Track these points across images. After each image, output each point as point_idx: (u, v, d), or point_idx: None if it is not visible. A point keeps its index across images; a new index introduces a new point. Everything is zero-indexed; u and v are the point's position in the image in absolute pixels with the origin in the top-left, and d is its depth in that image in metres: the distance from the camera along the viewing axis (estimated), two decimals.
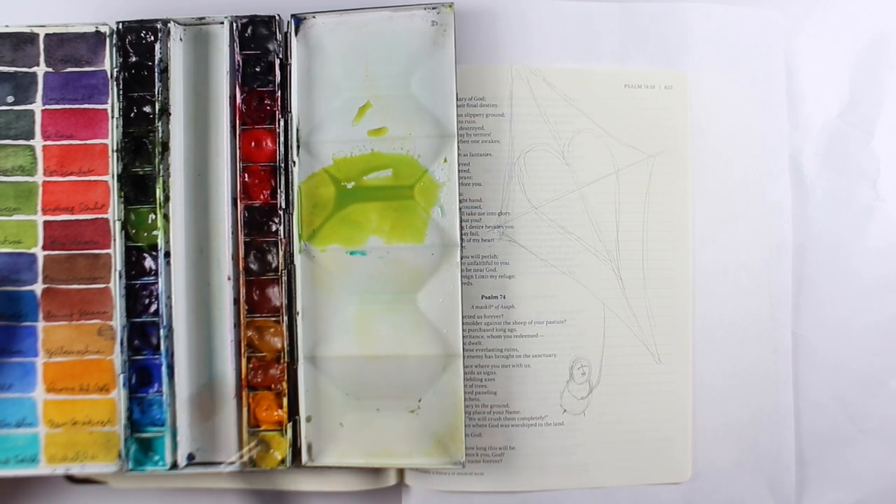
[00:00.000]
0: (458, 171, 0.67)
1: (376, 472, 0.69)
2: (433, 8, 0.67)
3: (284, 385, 0.66)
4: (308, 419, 0.66)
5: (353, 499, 0.70)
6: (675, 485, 0.72)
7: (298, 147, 0.67)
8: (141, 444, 0.66)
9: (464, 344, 0.67)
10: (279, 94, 0.67)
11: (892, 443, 0.73)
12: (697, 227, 0.72)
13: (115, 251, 0.66)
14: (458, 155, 0.67)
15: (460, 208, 0.67)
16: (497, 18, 0.70)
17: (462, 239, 0.67)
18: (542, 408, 0.70)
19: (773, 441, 0.72)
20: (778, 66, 0.73)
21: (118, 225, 0.66)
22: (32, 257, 0.67)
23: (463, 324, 0.66)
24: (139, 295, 0.67)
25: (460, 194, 0.67)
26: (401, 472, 0.70)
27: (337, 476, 0.69)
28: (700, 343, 0.72)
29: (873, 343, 0.74)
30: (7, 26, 0.67)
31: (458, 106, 0.67)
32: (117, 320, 0.66)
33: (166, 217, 0.66)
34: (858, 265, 0.74)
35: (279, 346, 0.66)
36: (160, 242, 0.66)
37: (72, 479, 0.68)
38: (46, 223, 0.67)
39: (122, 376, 0.66)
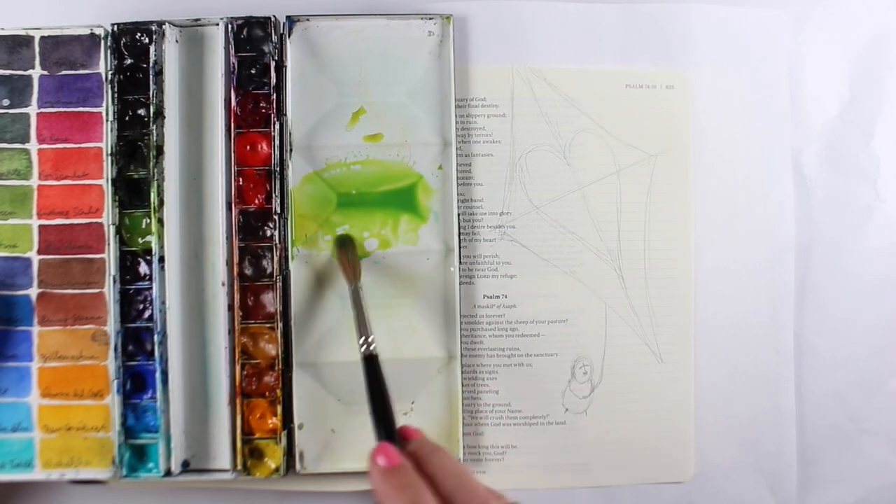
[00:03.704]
0: (460, 171, 0.61)
1: None
2: (430, 18, 0.60)
3: (279, 392, 0.59)
4: (300, 427, 0.59)
5: (354, 499, 0.63)
6: (677, 484, 0.64)
7: (291, 151, 0.59)
8: (135, 451, 0.58)
9: (465, 343, 0.61)
10: (275, 96, 0.59)
11: (893, 442, 0.66)
12: (699, 226, 0.64)
13: (110, 256, 0.58)
14: (460, 156, 0.61)
15: (461, 208, 0.62)
16: (498, 19, 0.63)
17: (460, 243, 0.61)
18: (543, 407, 0.63)
19: (775, 440, 0.65)
20: (779, 66, 0.66)
21: (112, 229, 0.58)
22: (28, 261, 0.59)
23: (465, 323, 0.61)
24: (133, 300, 0.59)
25: (461, 194, 0.62)
26: None
27: (337, 476, 0.61)
28: (702, 343, 0.64)
29: (874, 343, 0.66)
30: (2, 29, 0.60)
31: (459, 107, 0.61)
32: (111, 325, 0.58)
33: (161, 221, 0.58)
34: (859, 265, 0.66)
35: (273, 353, 0.59)
36: (154, 247, 0.58)
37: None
38: (41, 227, 0.59)
39: (116, 382, 0.58)
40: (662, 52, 0.64)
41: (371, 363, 0.49)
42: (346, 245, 0.58)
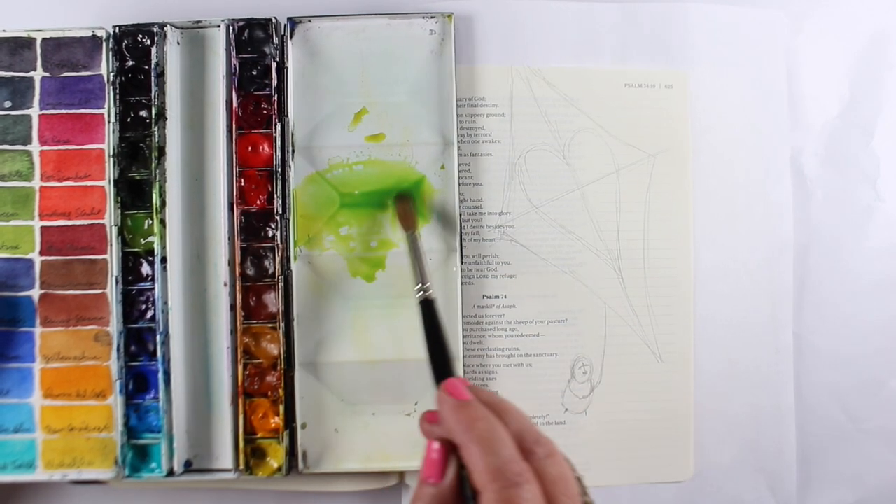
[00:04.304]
0: (459, 171, 0.60)
1: (376, 472, 0.62)
2: (431, 17, 0.60)
3: (281, 392, 0.58)
4: (303, 426, 0.59)
5: (355, 499, 0.63)
6: (677, 483, 0.64)
7: (293, 151, 0.59)
8: (137, 451, 0.58)
9: (465, 343, 0.61)
10: (276, 97, 0.59)
11: (893, 442, 0.66)
12: (698, 226, 0.64)
13: (112, 257, 0.58)
14: (459, 156, 0.60)
15: (461, 208, 0.61)
16: (498, 18, 0.63)
17: (462, 242, 0.60)
18: (543, 407, 0.63)
19: (774, 440, 0.65)
20: (778, 65, 0.65)
21: (115, 230, 0.59)
22: (30, 263, 0.59)
23: (464, 323, 0.61)
24: (136, 301, 0.59)
25: (461, 194, 0.61)
26: (401, 473, 0.63)
27: (338, 476, 0.61)
28: (701, 342, 0.64)
29: (874, 343, 0.66)
30: (4, 31, 0.60)
31: (458, 106, 0.61)
32: (114, 326, 0.58)
33: (163, 222, 0.58)
34: (859, 265, 0.66)
35: (275, 352, 0.59)
36: (157, 248, 0.58)
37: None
38: (44, 228, 0.59)
39: (118, 382, 0.58)
40: (661, 51, 0.64)
41: (427, 308, 0.49)
42: (406, 198, 0.58)
